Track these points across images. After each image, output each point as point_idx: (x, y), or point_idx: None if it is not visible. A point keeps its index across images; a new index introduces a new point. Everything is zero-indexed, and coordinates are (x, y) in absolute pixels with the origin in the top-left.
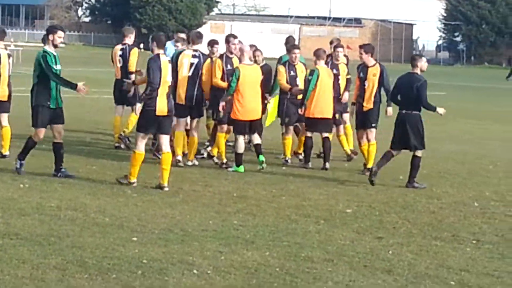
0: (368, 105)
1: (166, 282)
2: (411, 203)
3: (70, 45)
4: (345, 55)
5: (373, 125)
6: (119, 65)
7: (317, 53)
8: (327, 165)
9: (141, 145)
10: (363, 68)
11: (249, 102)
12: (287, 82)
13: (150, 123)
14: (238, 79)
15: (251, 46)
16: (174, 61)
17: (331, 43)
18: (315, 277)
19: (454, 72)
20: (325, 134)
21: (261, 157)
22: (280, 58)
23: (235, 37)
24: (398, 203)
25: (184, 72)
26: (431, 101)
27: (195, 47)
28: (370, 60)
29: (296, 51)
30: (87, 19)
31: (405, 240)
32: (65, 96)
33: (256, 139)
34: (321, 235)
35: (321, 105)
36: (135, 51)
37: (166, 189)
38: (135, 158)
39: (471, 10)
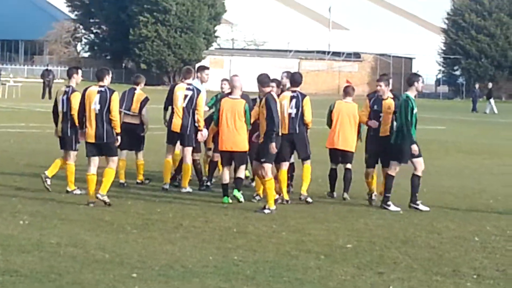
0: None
1: None
2: (411, 238)
3: None
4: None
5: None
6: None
7: (346, 90)
8: (346, 195)
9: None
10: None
11: (229, 133)
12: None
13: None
14: (219, 112)
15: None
16: (169, 93)
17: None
18: None
19: (454, 106)
20: (347, 166)
21: (235, 192)
22: None
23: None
24: (399, 238)
25: (179, 103)
26: (433, 135)
27: (187, 81)
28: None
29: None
30: (86, 55)
31: (406, 275)
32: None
33: (239, 172)
34: (321, 271)
35: (341, 137)
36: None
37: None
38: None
39: (470, 44)
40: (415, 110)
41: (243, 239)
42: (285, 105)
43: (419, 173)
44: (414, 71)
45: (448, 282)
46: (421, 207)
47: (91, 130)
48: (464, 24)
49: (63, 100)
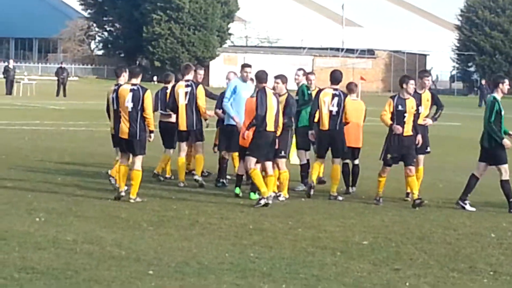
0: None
1: None
2: (427, 234)
3: (84, 78)
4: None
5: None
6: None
7: (349, 87)
8: (353, 189)
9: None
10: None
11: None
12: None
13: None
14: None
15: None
16: (172, 94)
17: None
18: None
19: (469, 102)
20: (355, 162)
21: (237, 190)
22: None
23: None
24: (415, 234)
25: (181, 101)
26: (448, 131)
27: (186, 77)
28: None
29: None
30: (100, 52)
31: (422, 272)
32: (81, 130)
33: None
34: (338, 267)
35: (348, 133)
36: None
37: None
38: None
39: (484, 40)
40: (503, 112)
41: (259, 235)
42: (326, 102)
43: (476, 173)
44: (428, 67)
45: (464, 278)
46: (468, 207)
47: (125, 127)
48: (478, 20)
49: (113, 98)
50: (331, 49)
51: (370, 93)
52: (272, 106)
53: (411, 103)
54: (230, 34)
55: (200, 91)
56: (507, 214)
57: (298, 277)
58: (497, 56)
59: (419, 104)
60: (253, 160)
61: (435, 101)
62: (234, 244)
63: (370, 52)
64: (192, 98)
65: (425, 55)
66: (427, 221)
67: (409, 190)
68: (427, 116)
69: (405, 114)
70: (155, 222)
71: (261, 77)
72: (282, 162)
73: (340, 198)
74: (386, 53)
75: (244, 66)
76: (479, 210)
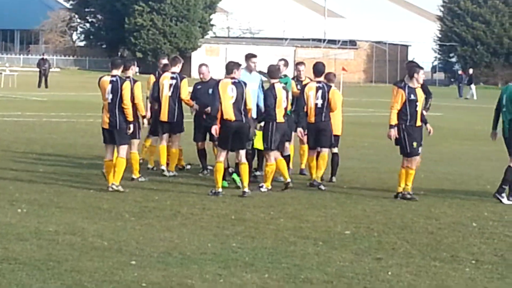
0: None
1: None
2: (409, 223)
3: (66, 70)
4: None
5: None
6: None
7: (328, 77)
8: (334, 179)
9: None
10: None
11: None
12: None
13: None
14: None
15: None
16: (156, 84)
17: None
18: None
19: (450, 92)
20: (334, 150)
21: (234, 176)
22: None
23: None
24: (397, 224)
25: (165, 92)
26: (429, 122)
27: (173, 69)
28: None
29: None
30: (82, 44)
31: (404, 261)
32: (63, 121)
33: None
34: (320, 257)
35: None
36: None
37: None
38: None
39: (466, 31)
40: None
41: (241, 226)
42: (311, 96)
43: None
44: (410, 58)
45: (446, 267)
46: (504, 200)
47: (106, 118)
48: (460, 11)
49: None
50: (313, 40)
51: (352, 83)
52: (281, 98)
53: (420, 92)
54: (212, 25)
55: (184, 84)
56: (488, 203)
57: (280, 267)
58: (478, 46)
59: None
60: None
61: (424, 91)
62: (216, 234)
63: (352, 43)
64: (175, 91)
65: (407, 46)
66: (409, 211)
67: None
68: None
69: (417, 103)
70: (137, 212)
71: (274, 72)
72: (270, 154)
73: (322, 187)
74: (368, 44)
75: (251, 56)
76: (460, 199)
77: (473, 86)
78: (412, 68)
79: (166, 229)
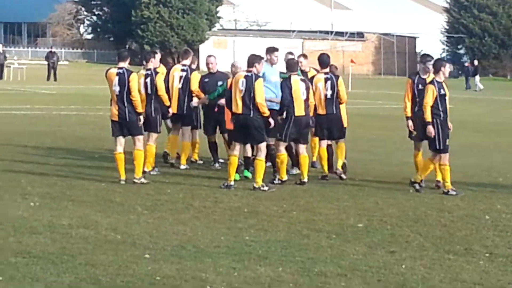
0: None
1: None
2: (422, 216)
3: (74, 63)
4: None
5: None
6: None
7: (330, 70)
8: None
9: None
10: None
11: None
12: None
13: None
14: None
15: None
16: (167, 76)
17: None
18: None
19: (459, 84)
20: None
21: (246, 173)
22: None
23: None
24: (410, 216)
25: (175, 84)
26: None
27: (184, 62)
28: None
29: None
30: (89, 36)
31: (418, 254)
32: (71, 114)
33: (248, 151)
34: (333, 250)
35: None
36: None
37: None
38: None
39: (473, 23)
40: None
41: (254, 219)
42: (320, 87)
43: None
44: (418, 50)
45: (460, 260)
46: None
47: (115, 110)
48: (466, 3)
49: (146, 82)
50: (321, 32)
51: (360, 75)
52: (299, 91)
53: (446, 86)
54: (219, 18)
55: (194, 77)
56: (500, 196)
57: (294, 260)
58: (486, 38)
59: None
60: (283, 144)
61: None
62: (229, 227)
63: (360, 35)
64: (186, 83)
65: (414, 38)
66: (422, 204)
67: (439, 178)
68: None
69: (446, 98)
70: (150, 206)
71: (293, 66)
72: (280, 144)
73: (344, 176)
74: (376, 36)
75: (273, 50)
76: (473, 192)
77: (477, 77)
78: (439, 62)
79: (179, 222)
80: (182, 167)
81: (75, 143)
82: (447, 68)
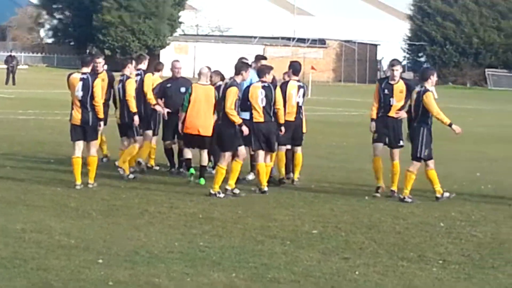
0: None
1: None
2: (376, 223)
3: (33, 67)
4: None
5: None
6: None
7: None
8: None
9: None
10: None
11: (197, 118)
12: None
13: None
14: (190, 96)
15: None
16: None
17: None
18: None
19: None
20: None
21: (201, 180)
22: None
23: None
24: (364, 223)
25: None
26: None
27: (139, 66)
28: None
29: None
30: (50, 41)
31: (372, 261)
32: (29, 118)
33: (203, 160)
34: (287, 256)
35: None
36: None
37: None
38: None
39: (435, 31)
40: None
41: (208, 225)
42: (293, 94)
43: None
44: (379, 57)
45: (413, 267)
46: None
47: (78, 114)
48: (430, 10)
49: (118, 88)
50: (282, 38)
51: (321, 82)
52: (258, 98)
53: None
54: (180, 23)
55: (147, 79)
56: (455, 203)
57: (247, 266)
58: (447, 46)
59: (390, 95)
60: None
61: (407, 92)
62: (183, 233)
63: (321, 42)
64: (140, 87)
65: (376, 45)
66: (376, 210)
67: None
68: (400, 109)
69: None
70: (105, 211)
71: (260, 72)
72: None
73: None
74: (337, 42)
75: (261, 58)
76: (428, 199)
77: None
78: (427, 70)
79: (134, 228)
80: (131, 169)
81: (32, 148)
82: (434, 77)
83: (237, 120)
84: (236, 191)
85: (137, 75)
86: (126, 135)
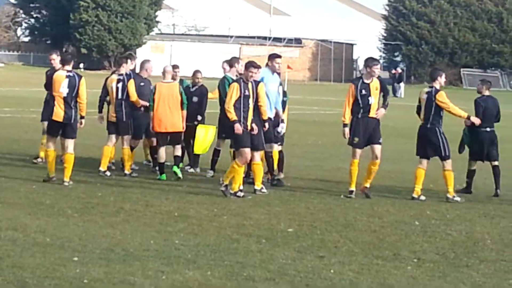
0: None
1: None
2: (352, 222)
3: (10, 65)
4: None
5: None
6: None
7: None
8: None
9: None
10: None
11: (165, 116)
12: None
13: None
14: (154, 96)
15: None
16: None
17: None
18: None
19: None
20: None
21: (175, 168)
22: (224, 77)
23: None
24: (340, 222)
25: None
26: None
27: (121, 70)
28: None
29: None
30: (26, 39)
31: (347, 259)
32: (5, 116)
33: (177, 150)
34: (262, 254)
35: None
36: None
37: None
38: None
39: (410, 30)
40: None
41: (184, 222)
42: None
43: None
44: (355, 57)
45: (388, 265)
46: None
47: (60, 111)
48: (405, 10)
49: (117, 87)
50: (259, 37)
51: (297, 82)
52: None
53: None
54: (157, 22)
55: (130, 85)
56: (430, 202)
57: (222, 264)
58: (423, 46)
59: (368, 95)
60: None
61: (382, 89)
62: (159, 231)
63: (297, 41)
64: (122, 91)
65: (352, 45)
66: (352, 209)
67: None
68: (378, 108)
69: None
70: (80, 208)
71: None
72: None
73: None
74: (313, 42)
75: (275, 56)
76: (403, 198)
77: (402, 84)
78: (435, 71)
79: (109, 226)
80: (127, 173)
81: (7, 145)
82: (443, 78)
83: (232, 117)
84: (240, 194)
85: (118, 80)
86: (118, 133)
